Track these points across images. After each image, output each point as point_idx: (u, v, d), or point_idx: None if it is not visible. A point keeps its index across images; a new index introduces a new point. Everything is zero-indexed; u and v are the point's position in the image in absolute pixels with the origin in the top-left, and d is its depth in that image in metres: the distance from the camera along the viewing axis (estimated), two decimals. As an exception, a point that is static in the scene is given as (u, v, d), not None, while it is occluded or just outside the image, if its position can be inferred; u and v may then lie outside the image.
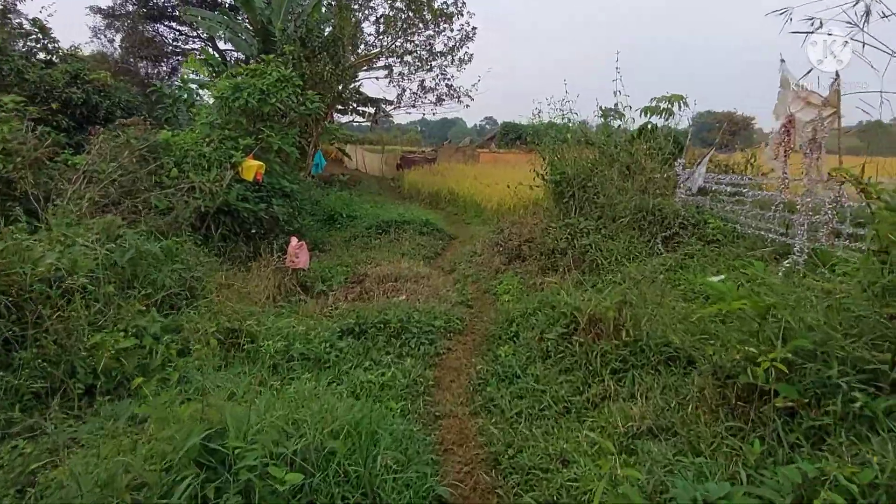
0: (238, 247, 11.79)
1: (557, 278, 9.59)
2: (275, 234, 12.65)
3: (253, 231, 12.15)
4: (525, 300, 8.84)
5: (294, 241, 11.18)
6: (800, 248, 7.18)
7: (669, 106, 12.25)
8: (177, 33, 32.60)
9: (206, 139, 12.03)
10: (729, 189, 9.61)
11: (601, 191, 10.60)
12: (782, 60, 7.59)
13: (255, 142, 12.24)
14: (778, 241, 7.89)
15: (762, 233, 8.26)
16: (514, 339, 7.11)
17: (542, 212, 13.28)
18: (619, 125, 12.41)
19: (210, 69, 17.02)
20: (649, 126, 12.70)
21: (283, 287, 10.57)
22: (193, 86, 16.54)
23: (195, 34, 31.92)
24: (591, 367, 5.54)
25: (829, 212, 7.04)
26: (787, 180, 7.52)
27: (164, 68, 31.46)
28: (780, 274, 7.03)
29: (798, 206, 7.35)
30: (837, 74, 6.78)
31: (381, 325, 7.65)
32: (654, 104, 12.37)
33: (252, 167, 11.93)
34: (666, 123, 12.55)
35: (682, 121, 12.54)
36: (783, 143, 7.45)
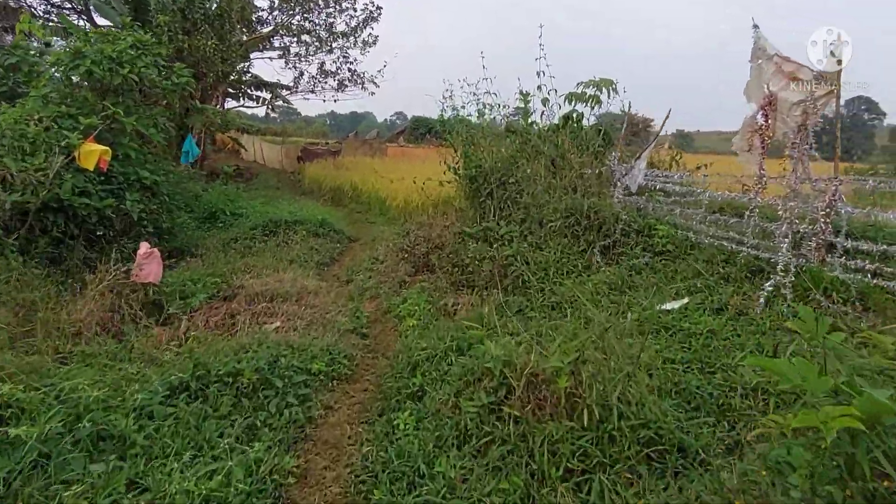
0: (76, 253, 9.01)
1: (474, 297, 7.62)
2: (131, 236, 9.94)
3: (100, 233, 9.39)
4: (434, 330, 6.80)
5: (143, 247, 8.51)
6: (784, 266, 5.55)
7: (597, 93, 10.56)
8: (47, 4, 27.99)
9: (34, 117, 9.12)
10: (678, 189, 7.98)
11: (525, 188, 8.73)
12: (755, 26, 5.94)
13: (100, 121, 9.46)
14: (746, 254, 6.26)
15: (724, 243, 6.63)
16: (419, 398, 5.02)
17: (454, 213, 11.29)
18: (544, 112, 10.61)
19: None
20: (574, 115, 11.01)
21: (121, 309, 7.91)
22: (32, 52, 13.33)
23: (70, 5, 27.48)
24: (533, 466, 3.54)
25: (822, 220, 5.45)
26: (764, 179, 5.89)
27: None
28: (760, 301, 5.36)
29: (780, 212, 5.73)
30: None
31: (230, 378, 5.33)
32: (580, 90, 10.64)
33: (93, 153, 9.07)
34: (593, 113, 10.89)
35: (611, 109, 10.90)
36: (759, 132, 5.80)
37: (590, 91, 10.52)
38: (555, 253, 7.66)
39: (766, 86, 5.75)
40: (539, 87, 10.32)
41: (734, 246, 6.52)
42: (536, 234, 8.07)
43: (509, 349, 4.21)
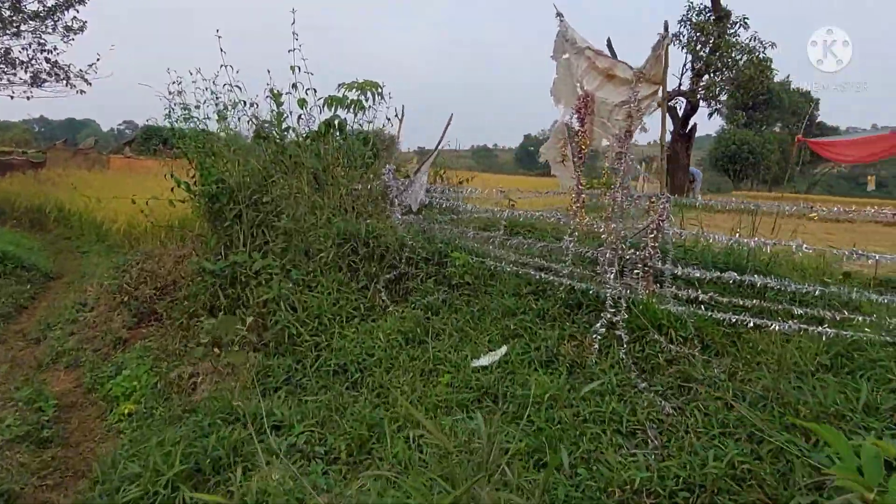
0: None
1: (222, 362, 5.50)
2: None
3: None
4: (159, 427, 4.58)
5: None
6: (614, 301, 4.57)
7: (360, 97, 9.03)
8: None
9: None
10: (467, 207, 6.80)
11: (285, 209, 6.80)
12: (559, 15, 4.94)
13: None
14: (563, 286, 5.23)
15: (531, 272, 5.56)
16: None
17: (192, 239, 8.80)
18: (301, 116, 8.74)
19: None
20: (336, 122, 9.34)
21: None
22: None
23: None
24: None
25: (650, 244, 4.58)
26: (581, 196, 4.88)
27: None
28: (594, 347, 4.29)
29: (603, 236, 4.76)
30: (666, 28, 4.34)
31: None
32: (340, 92, 9.00)
33: None
34: (358, 120, 9.30)
35: (377, 117, 9.41)
36: (574, 140, 4.78)
37: (352, 95, 8.95)
38: (330, 293, 5.88)
39: (578, 84, 4.75)
40: (294, 86, 8.43)
41: (543, 275, 5.46)
42: (303, 269, 6.20)
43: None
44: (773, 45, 22.56)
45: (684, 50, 23.55)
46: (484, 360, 4.60)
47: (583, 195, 4.88)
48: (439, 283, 6.10)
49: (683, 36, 23.70)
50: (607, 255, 4.75)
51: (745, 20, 22.87)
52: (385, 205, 7.36)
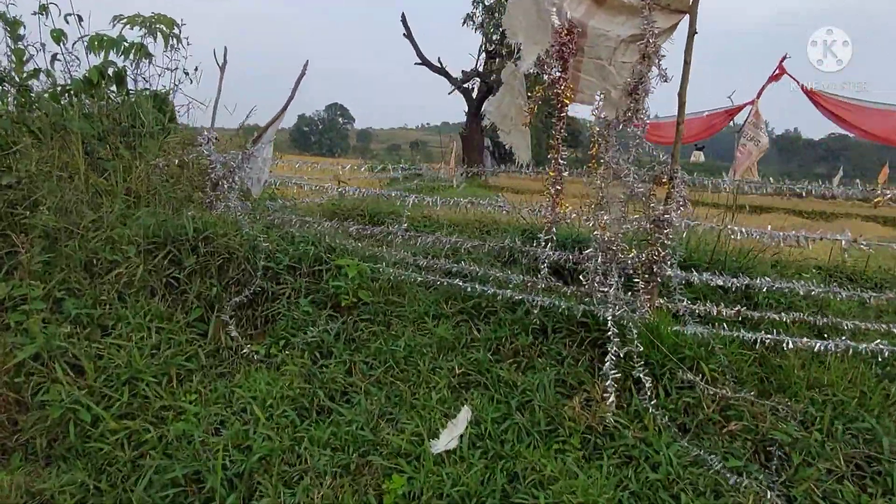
0: None
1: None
2: None
3: None
4: None
5: None
6: (618, 326, 3.17)
7: (144, 39, 6.35)
8: None
9: None
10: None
11: (44, 197, 4.17)
12: None
13: None
14: (527, 303, 3.69)
15: (460, 283, 3.93)
16: None
17: None
18: (58, 56, 5.81)
19: None
20: (112, 71, 6.51)
21: None
22: None
23: None
24: None
25: (659, 242, 3.25)
26: (559, 180, 3.35)
27: None
28: (610, 400, 2.87)
29: (596, 233, 3.30)
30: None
31: None
32: (116, 28, 6.22)
33: None
34: (141, 72, 6.58)
35: (174, 67, 6.79)
36: (550, 91, 3.23)
37: (136, 33, 6.23)
38: (142, 336, 3.57)
39: (553, 10, 3.17)
40: (44, 9, 5.54)
41: (480, 287, 3.86)
42: (87, 296, 3.75)
43: None
44: None
45: (478, 31, 23.35)
46: (445, 439, 2.89)
47: (563, 174, 3.34)
48: (318, 303, 4.13)
49: (477, 17, 23.47)
50: (599, 260, 3.29)
51: None
52: (211, 189, 5.04)
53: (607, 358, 3.13)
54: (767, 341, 3.30)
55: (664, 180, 3.20)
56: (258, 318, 4.10)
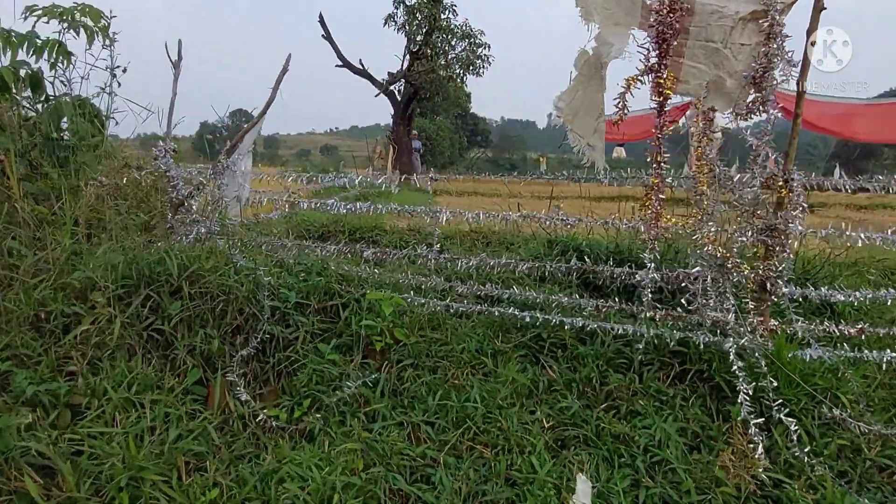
0: None
1: None
2: None
3: None
4: None
5: None
6: (743, 357, 2.66)
7: (64, 34, 5.25)
8: None
9: None
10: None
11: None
12: None
13: None
14: (631, 335, 3.11)
15: (517, 313, 3.30)
16: None
17: None
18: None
19: None
20: (27, 74, 5.32)
21: None
22: None
23: None
24: None
25: (777, 255, 2.77)
26: (661, 183, 2.79)
27: None
28: (759, 451, 2.35)
29: (701, 251, 2.77)
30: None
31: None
32: (27, 24, 5.10)
33: None
34: (59, 75, 5.44)
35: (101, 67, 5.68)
36: (650, 78, 2.69)
37: (55, 27, 5.13)
38: (129, 416, 2.68)
39: (644, -18, 2.62)
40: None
41: (554, 318, 3.25)
42: (46, 363, 2.80)
43: None
44: (482, 32, 23.14)
45: (400, 32, 22.71)
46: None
47: (662, 182, 2.78)
48: (342, 347, 3.36)
49: (398, 17, 22.84)
50: (709, 279, 2.77)
51: (454, 7, 22.97)
52: (171, 211, 4.11)
53: (740, 398, 2.60)
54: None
55: (779, 183, 2.71)
56: (268, 372, 3.27)
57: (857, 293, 3.08)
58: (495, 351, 3.32)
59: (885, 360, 2.88)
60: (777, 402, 2.61)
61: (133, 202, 4.26)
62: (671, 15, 2.58)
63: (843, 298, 3.12)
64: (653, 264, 2.92)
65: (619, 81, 2.85)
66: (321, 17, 21.29)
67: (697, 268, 2.84)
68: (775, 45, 2.50)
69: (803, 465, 2.47)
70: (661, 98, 2.66)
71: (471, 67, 22.02)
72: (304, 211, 6.01)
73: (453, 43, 22.73)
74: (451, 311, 3.53)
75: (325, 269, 3.80)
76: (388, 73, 22.21)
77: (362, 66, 21.52)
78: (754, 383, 2.67)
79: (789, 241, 2.73)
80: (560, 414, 2.85)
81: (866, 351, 2.93)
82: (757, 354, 2.71)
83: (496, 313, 3.40)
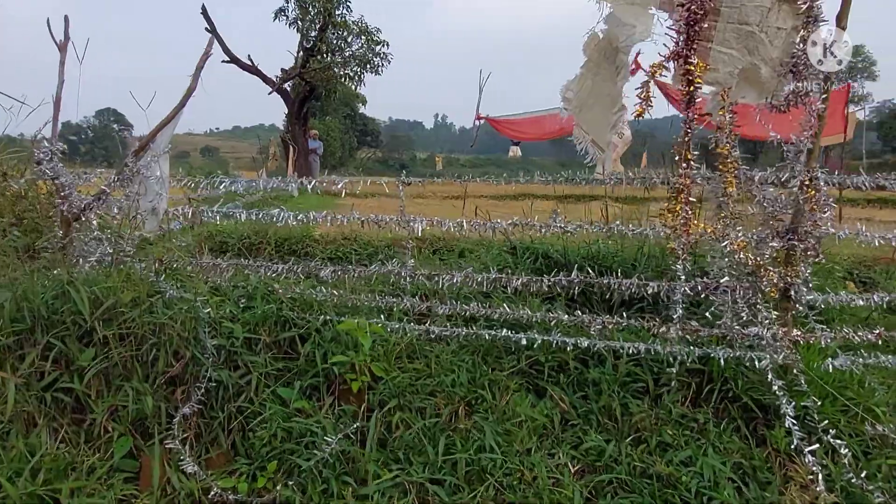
0: None
1: None
2: None
3: None
4: None
5: None
6: (782, 376, 2.41)
7: None
8: None
9: None
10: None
11: None
12: None
13: None
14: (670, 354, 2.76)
15: (510, 335, 2.88)
16: None
17: None
18: None
19: None
20: None
21: None
22: None
23: None
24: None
25: (804, 259, 2.56)
26: (690, 185, 2.46)
27: None
28: (818, 487, 2.12)
29: (729, 258, 2.48)
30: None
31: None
32: None
33: None
34: None
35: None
36: (677, 64, 2.36)
37: None
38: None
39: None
40: None
41: (554, 339, 2.85)
42: None
43: None
44: (378, 30, 22.41)
45: (292, 27, 21.49)
46: None
47: (693, 184, 2.44)
48: (307, 391, 2.77)
49: (290, 11, 21.60)
50: (742, 287, 2.49)
51: (348, 2, 22.06)
52: (62, 228, 3.27)
53: (787, 423, 2.33)
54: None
55: (806, 183, 2.47)
56: (215, 430, 2.61)
57: (873, 297, 2.95)
58: (491, 381, 2.86)
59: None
60: (822, 423, 2.37)
61: (8, 219, 3.37)
62: (704, -11, 2.24)
63: (862, 303, 2.98)
64: (684, 277, 2.59)
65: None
66: (204, 8, 19.62)
67: (726, 278, 2.56)
68: (811, 27, 2.25)
69: (861, 492, 2.24)
70: (691, 87, 2.34)
71: (368, 66, 21.23)
72: (211, 222, 5.22)
73: (349, 40, 21.83)
74: (433, 336, 3.02)
75: (272, 292, 3.16)
76: (282, 69, 20.92)
77: (251, 62, 20.07)
78: (793, 403, 2.42)
79: (818, 245, 2.50)
80: (586, 455, 2.45)
81: (882, 356, 2.79)
82: (795, 371, 2.46)
83: (486, 336, 2.94)
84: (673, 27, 2.34)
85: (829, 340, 2.72)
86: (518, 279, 2.91)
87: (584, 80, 2.69)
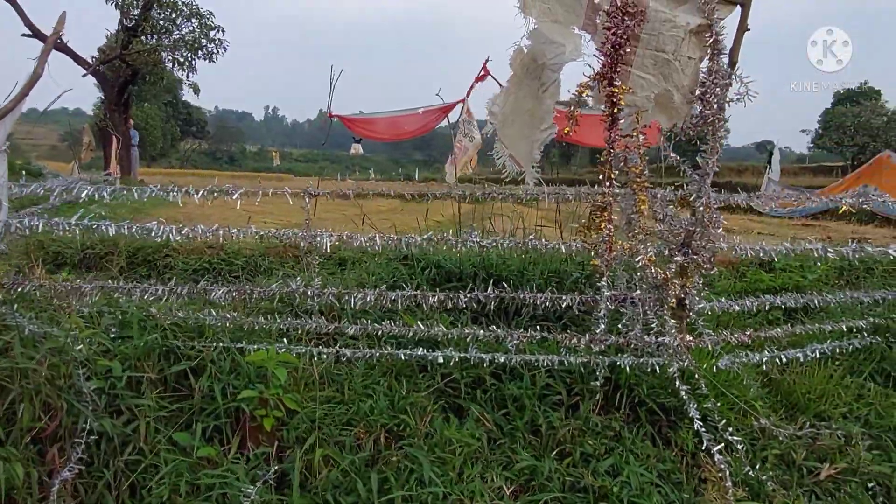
0: None
1: None
2: None
3: None
4: None
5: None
6: (686, 378, 2.64)
7: None
8: None
9: None
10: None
11: None
12: None
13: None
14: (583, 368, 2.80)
15: (427, 353, 2.81)
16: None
17: None
18: None
19: None
20: None
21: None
22: None
23: None
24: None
25: (699, 270, 2.82)
26: (611, 198, 2.54)
27: None
28: (728, 485, 2.43)
29: (640, 272, 2.63)
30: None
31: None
32: None
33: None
34: None
35: None
36: (600, 86, 2.44)
37: None
38: None
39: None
40: None
41: (473, 355, 2.83)
42: None
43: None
44: (212, 14, 20.68)
45: (109, 3, 19.03)
46: None
47: (615, 203, 2.52)
48: (208, 434, 2.44)
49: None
50: (650, 299, 2.65)
51: None
52: None
53: (696, 426, 2.53)
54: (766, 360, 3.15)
55: (702, 200, 2.70)
56: (101, 493, 2.19)
57: (746, 300, 3.31)
58: (411, 404, 2.74)
59: (763, 360, 3.12)
60: (721, 422, 2.61)
61: None
62: (622, 12, 2.32)
63: (738, 308, 3.33)
64: (606, 292, 2.68)
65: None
66: None
67: (638, 291, 2.70)
68: (718, 61, 2.43)
69: (757, 483, 2.49)
70: (615, 109, 2.41)
71: (201, 51, 19.48)
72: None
73: (178, 22, 19.86)
74: (343, 359, 2.83)
75: (149, 317, 2.74)
76: (99, 49, 18.44)
77: (60, 39, 17.34)
78: (696, 405, 2.63)
79: (713, 258, 2.73)
80: (519, 475, 2.44)
81: (752, 354, 3.15)
82: (697, 375, 2.67)
83: (401, 356, 2.81)
84: (599, 49, 2.39)
85: (714, 344, 3.00)
86: (434, 296, 2.81)
87: (509, 94, 2.67)
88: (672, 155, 2.72)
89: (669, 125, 2.57)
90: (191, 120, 60.69)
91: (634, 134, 2.55)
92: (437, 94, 11.02)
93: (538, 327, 2.90)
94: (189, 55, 19.29)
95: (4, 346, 2.13)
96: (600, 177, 2.48)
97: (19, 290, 2.73)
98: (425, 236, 2.79)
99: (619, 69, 2.41)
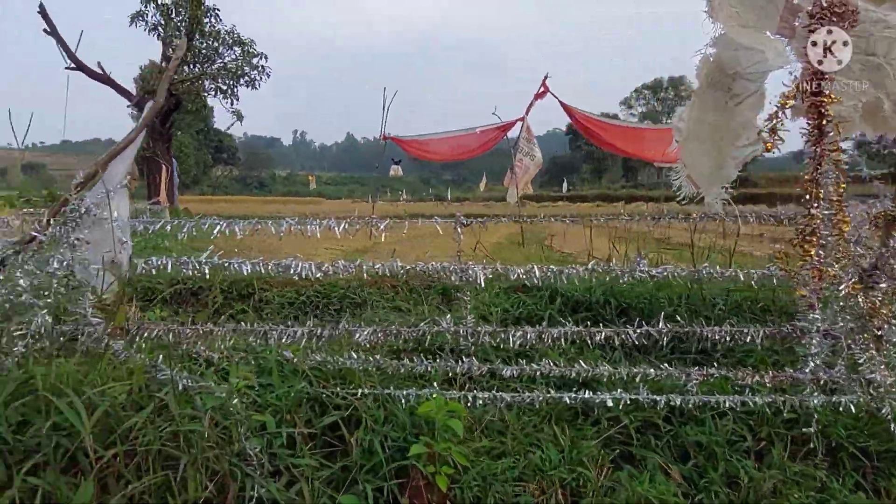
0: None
1: None
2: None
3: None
4: None
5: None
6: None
7: None
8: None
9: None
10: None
11: None
12: None
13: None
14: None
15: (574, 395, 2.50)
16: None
17: None
18: None
19: None
20: None
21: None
22: None
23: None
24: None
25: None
26: (822, 220, 2.25)
27: None
28: None
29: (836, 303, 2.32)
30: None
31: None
32: None
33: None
34: None
35: None
36: (803, 95, 2.15)
37: None
38: None
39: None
40: None
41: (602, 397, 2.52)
42: None
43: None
44: (253, 41, 20.81)
45: (152, 34, 19.26)
46: None
47: (821, 219, 2.23)
48: (366, 495, 2.16)
49: (149, 16, 19.34)
50: (854, 332, 2.34)
51: (217, 11, 20.29)
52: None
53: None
54: None
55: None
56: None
57: None
58: (580, 454, 2.43)
59: None
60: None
61: None
62: (834, 19, 2.05)
63: None
64: (819, 324, 2.38)
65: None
66: (42, 7, 16.84)
67: (840, 322, 2.39)
68: None
69: None
70: (822, 120, 2.13)
71: (244, 79, 19.56)
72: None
73: (221, 51, 20.04)
74: (501, 404, 2.53)
75: (286, 362, 2.48)
76: (135, 80, 18.59)
77: (102, 70, 17.47)
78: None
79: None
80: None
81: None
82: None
83: (567, 400, 2.51)
84: (798, 55, 2.12)
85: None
86: (600, 332, 2.52)
87: (693, 108, 2.41)
88: (866, 170, 2.42)
89: (875, 136, 2.28)
90: (222, 147, 61.46)
91: (835, 146, 2.26)
92: (493, 113, 10.88)
93: (715, 364, 2.59)
94: (231, 83, 19.37)
95: (162, 407, 1.87)
96: (806, 196, 2.19)
97: (144, 334, 2.48)
98: (586, 267, 2.50)
99: (826, 76, 2.13)
